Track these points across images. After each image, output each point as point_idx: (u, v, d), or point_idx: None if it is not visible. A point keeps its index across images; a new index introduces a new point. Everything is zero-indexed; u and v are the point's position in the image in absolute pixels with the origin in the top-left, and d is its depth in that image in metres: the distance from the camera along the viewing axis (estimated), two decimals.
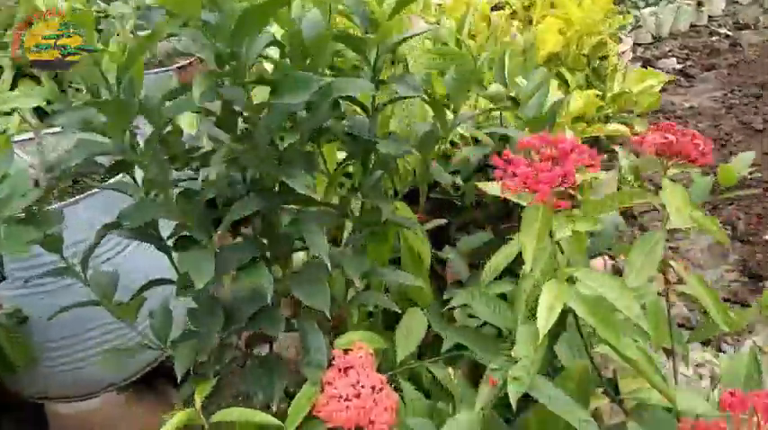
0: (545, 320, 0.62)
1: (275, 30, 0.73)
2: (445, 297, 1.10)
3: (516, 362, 0.65)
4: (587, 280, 0.67)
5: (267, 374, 0.87)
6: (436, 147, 0.84)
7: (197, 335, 0.84)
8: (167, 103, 0.68)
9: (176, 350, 0.82)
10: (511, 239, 1.15)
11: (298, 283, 0.75)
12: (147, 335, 1.14)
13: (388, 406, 0.83)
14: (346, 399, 0.81)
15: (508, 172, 0.63)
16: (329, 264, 0.70)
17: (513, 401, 0.63)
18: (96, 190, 1.00)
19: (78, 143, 0.67)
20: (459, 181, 1.01)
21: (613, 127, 1.45)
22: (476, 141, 1.25)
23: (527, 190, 0.63)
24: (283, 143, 0.71)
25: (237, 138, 0.70)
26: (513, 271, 0.98)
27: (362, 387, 0.82)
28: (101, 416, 1.22)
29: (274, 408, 0.85)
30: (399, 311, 0.98)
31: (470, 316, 1.05)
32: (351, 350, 0.87)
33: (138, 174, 0.79)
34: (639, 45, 3.47)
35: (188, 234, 0.78)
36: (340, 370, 0.84)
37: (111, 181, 0.90)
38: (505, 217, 1.32)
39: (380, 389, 0.83)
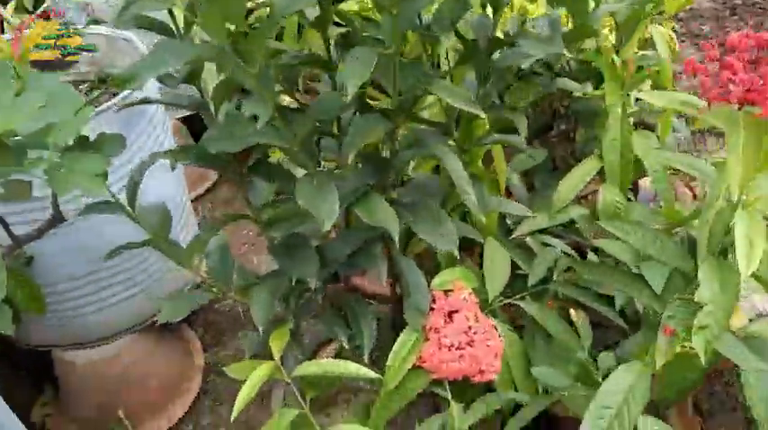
0: (747, 260, 0.53)
1: None
2: (511, 223, 1.00)
3: (701, 307, 0.56)
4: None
5: (353, 318, 0.75)
6: None
7: (277, 277, 0.71)
8: None
9: (254, 295, 0.69)
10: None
11: (418, 219, 0.62)
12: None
13: (498, 352, 0.74)
14: (459, 348, 0.71)
15: (722, 79, 0.51)
16: (473, 196, 0.57)
17: (701, 355, 0.55)
18: (111, 103, 0.81)
19: (159, 47, 0.50)
20: (589, 89, 0.88)
21: (658, 29, 1.32)
22: None
23: (739, 101, 0.52)
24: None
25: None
26: None
27: (475, 333, 0.72)
28: (120, 363, 1.09)
29: (365, 358, 0.75)
30: (482, 241, 0.88)
31: (545, 244, 0.95)
32: (451, 291, 0.77)
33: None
34: None
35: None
36: (445, 314, 0.73)
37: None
38: (545, 131, 1.20)
39: (491, 335, 0.74)
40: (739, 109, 0.54)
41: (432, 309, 0.73)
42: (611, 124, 0.95)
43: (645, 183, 1.36)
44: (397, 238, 0.58)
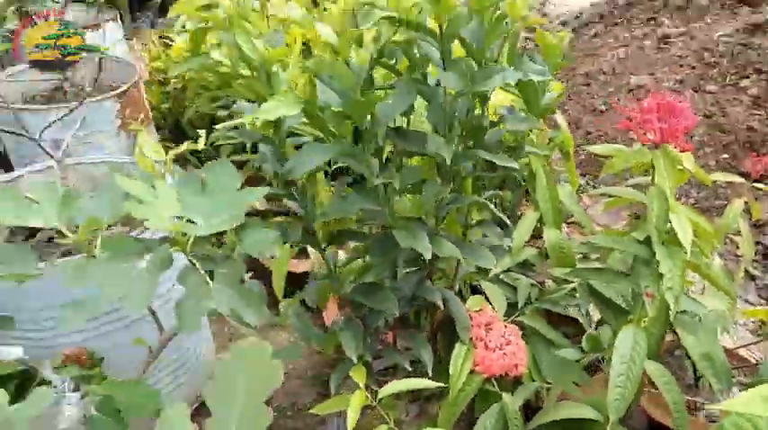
0: (685, 238, 0.84)
1: None
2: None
3: (662, 277, 0.85)
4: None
5: (415, 346, 0.96)
6: None
7: (351, 324, 0.91)
8: None
9: (344, 337, 0.88)
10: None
11: (464, 250, 0.87)
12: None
13: (524, 350, 0.98)
14: (500, 349, 0.94)
15: (646, 128, 0.83)
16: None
17: (672, 303, 0.83)
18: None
19: (307, 149, 0.72)
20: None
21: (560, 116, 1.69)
22: None
23: (657, 142, 0.84)
24: None
25: None
26: None
27: (509, 336, 0.96)
28: None
29: (429, 372, 0.95)
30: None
31: (515, 278, 1.23)
32: (481, 310, 1.01)
33: None
34: None
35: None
36: (483, 326, 0.97)
37: None
38: None
39: (518, 337, 0.98)
40: (656, 147, 0.87)
41: (471, 325, 0.97)
42: (540, 183, 1.28)
43: None
44: (464, 263, 0.82)
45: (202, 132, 1.58)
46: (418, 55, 0.82)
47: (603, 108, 2.66)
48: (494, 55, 0.86)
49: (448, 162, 0.72)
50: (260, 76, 0.73)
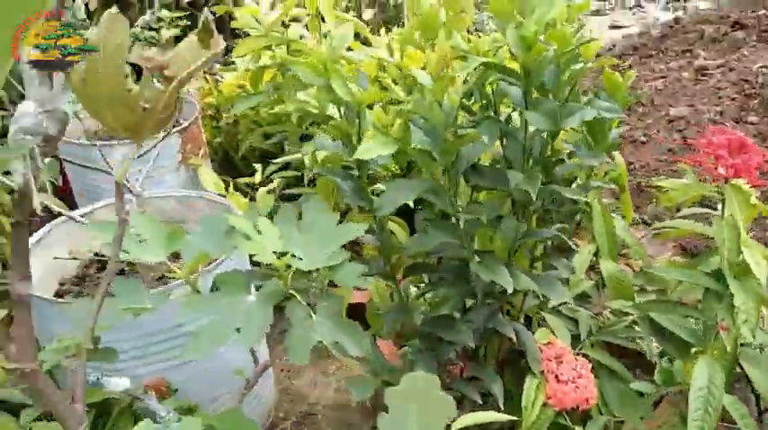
0: (760, 271, 0.84)
1: None
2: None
3: (736, 310, 0.85)
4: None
5: (487, 379, 0.97)
6: None
7: (422, 355, 0.92)
8: None
9: (417, 369, 0.90)
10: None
11: (540, 283, 0.89)
12: None
13: (594, 383, 0.99)
14: (572, 382, 0.95)
15: (719, 163, 0.85)
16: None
17: (748, 336, 0.84)
18: None
19: (392, 186, 0.75)
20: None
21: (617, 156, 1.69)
22: None
23: (728, 177, 0.86)
24: None
25: None
26: None
27: (581, 369, 0.97)
28: None
29: (501, 405, 0.96)
30: None
31: (574, 310, 1.24)
32: (550, 343, 1.02)
33: None
34: None
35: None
36: (554, 359, 0.98)
37: None
38: None
39: (588, 370, 0.99)
40: (725, 181, 0.88)
41: (542, 358, 0.98)
42: (596, 215, 1.29)
43: None
44: (531, 295, 0.83)
45: (259, 166, 1.63)
46: (491, 93, 0.86)
47: (643, 139, 2.66)
48: (564, 94, 0.89)
49: (533, 198, 0.75)
50: (348, 117, 0.77)
